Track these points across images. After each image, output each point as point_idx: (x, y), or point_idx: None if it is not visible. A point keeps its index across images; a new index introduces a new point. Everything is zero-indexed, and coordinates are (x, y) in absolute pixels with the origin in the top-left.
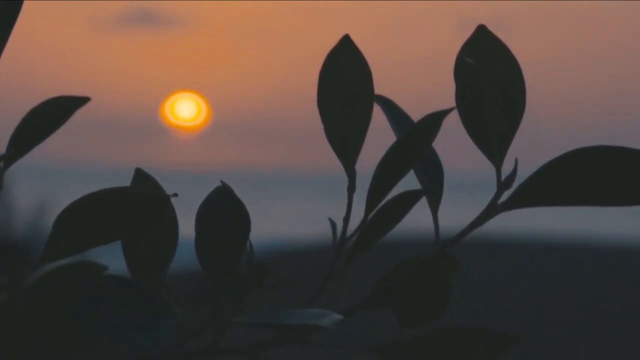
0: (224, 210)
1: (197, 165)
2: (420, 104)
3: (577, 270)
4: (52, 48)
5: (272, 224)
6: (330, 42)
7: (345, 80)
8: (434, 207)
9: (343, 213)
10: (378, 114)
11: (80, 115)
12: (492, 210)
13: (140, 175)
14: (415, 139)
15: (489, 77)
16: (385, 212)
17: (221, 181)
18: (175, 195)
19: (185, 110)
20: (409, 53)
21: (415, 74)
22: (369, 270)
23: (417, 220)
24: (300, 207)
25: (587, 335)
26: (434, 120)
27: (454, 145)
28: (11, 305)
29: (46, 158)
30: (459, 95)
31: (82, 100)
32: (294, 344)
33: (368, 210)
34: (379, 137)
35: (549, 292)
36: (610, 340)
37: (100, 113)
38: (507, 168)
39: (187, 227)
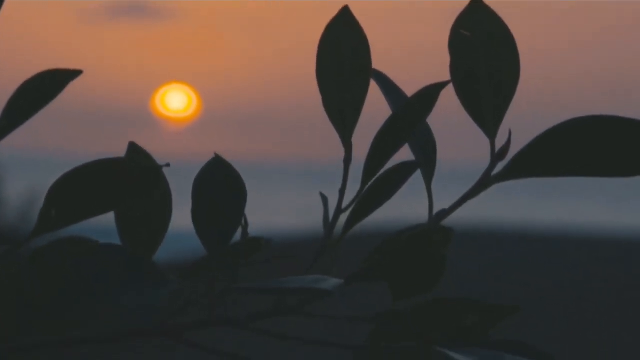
0: (220, 181)
1: (188, 157)
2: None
3: (556, 261)
4: (41, 40)
5: (263, 214)
6: (320, 33)
7: (343, 52)
8: (428, 180)
9: (335, 204)
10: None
11: (71, 106)
12: (486, 181)
13: (134, 149)
14: (413, 111)
15: (483, 49)
16: (382, 183)
17: (215, 154)
18: (168, 165)
19: (176, 101)
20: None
21: (410, 61)
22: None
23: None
24: (291, 198)
25: (567, 325)
26: (431, 93)
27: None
28: (4, 280)
29: (37, 148)
30: (454, 67)
31: (74, 74)
32: (290, 315)
33: (365, 181)
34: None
35: (527, 283)
36: (590, 330)
37: (91, 104)
38: (500, 141)
39: (177, 219)
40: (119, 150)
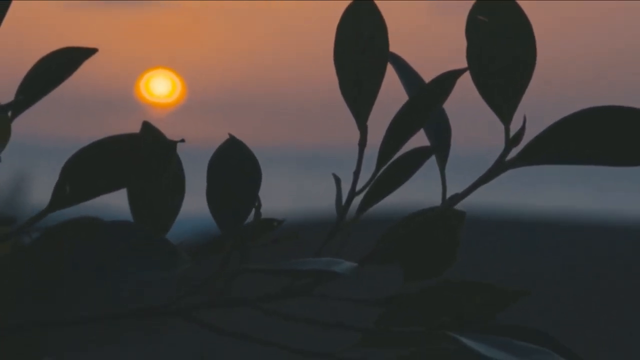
0: (235, 161)
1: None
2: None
3: (540, 246)
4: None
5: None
6: (306, 17)
7: (361, 35)
8: (442, 165)
9: (323, 189)
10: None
11: (55, 91)
12: (499, 167)
13: (147, 128)
14: (430, 97)
15: (499, 35)
16: (396, 167)
17: (230, 134)
18: (183, 140)
19: (160, 87)
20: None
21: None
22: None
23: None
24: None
25: (550, 310)
26: (448, 79)
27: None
28: (14, 257)
29: (22, 134)
30: (470, 53)
31: (89, 52)
32: (300, 296)
33: (379, 164)
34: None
35: (512, 268)
36: (571, 314)
37: (75, 89)
38: (515, 127)
39: None
40: (103, 135)
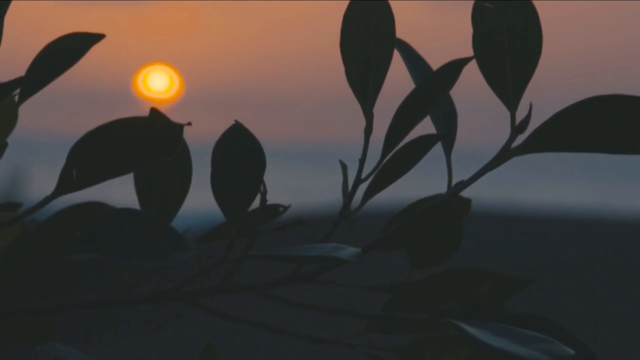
0: (240, 147)
1: None
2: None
3: (538, 242)
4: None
5: None
6: (302, 12)
7: (367, 23)
8: (448, 152)
9: (322, 183)
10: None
11: (52, 86)
12: (505, 154)
13: (155, 114)
14: (436, 85)
15: (506, 23)
16: (403, 154)
17: (235, 120)
18: (189, 124)
19: (158, 82)
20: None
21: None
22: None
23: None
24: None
25: (555, 304)
26: (454, 67)
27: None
28: (20, 241)
29: (19, 129)
30: (476, 41)
31: (96, 37)
32: (306, 283)
33: (385, 152)
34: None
35: (509, 263)
36: (567, 310)
37: (73, 85)
38: (521, 115)
39: None
40: None
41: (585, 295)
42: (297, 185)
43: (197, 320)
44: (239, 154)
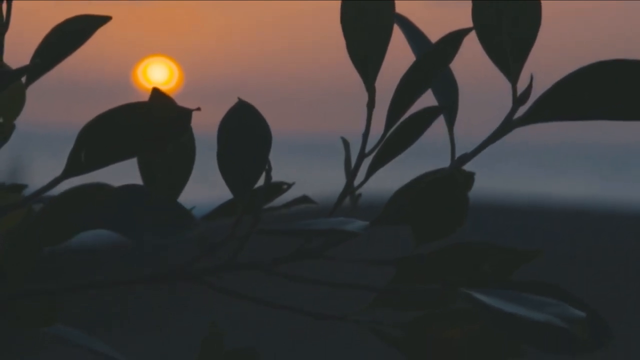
0: (246, 124)
1: None
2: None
3: (535, 233)
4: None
5: None
6: (301, 6)
7: None
8: (450, 125)
9: (321, 174)
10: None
11: (53, 78)
12: (507, 125)
13: (157, 95)
14: (437, 57)
15: None
16: (406, 127)
17: (239, 98)
18: (198, 109)
19: (158, 74)
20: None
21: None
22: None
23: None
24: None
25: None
26: (455, 38)
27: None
28: (27, 222)
29: (19, 121)
30: (476, 12)
31: (102, 19)
32: (313, 258)
33: (388, 125)
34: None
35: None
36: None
37: (73, 77)
38: (522, 86)
39: None
40: None
41: (586, 289)
42: (296, 177)
43: (200, 310)
44: (245, 131)
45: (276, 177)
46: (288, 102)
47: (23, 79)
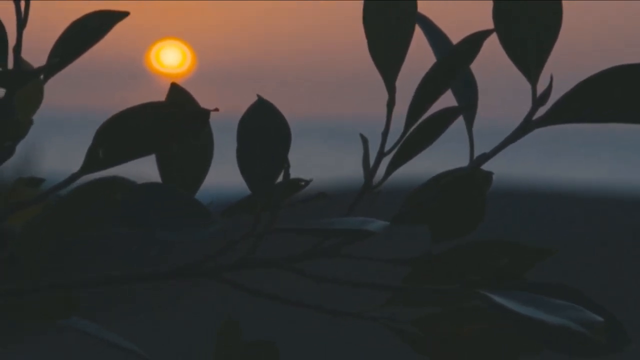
0: (265, 122)
1: None
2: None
3: (557, 218)
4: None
5: None
6: None
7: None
8: (469, 125)
9: (341, 159)
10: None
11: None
12: (527, 126)
13: (176, 91)
14: (458, 57)
15: None
16: (426, 126)
17: (258, 95)
18: (217, 110)
19: (170, 57)
20: None
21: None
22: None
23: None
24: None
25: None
26: (476, 40)
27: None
28: (44, 215)
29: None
30: (497, 13)
31: (120, 15)
32: (328, 257)
33: (408, 124)
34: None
35: (529, 239)
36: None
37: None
38: (542, 87)
39: None
40: (114, 106)
41: (609, 271)
42: (315, 162)
43: (210, 294)
44: (265, 129)
45: (295, 160)
46: (304, 84)
47: (41, 76)
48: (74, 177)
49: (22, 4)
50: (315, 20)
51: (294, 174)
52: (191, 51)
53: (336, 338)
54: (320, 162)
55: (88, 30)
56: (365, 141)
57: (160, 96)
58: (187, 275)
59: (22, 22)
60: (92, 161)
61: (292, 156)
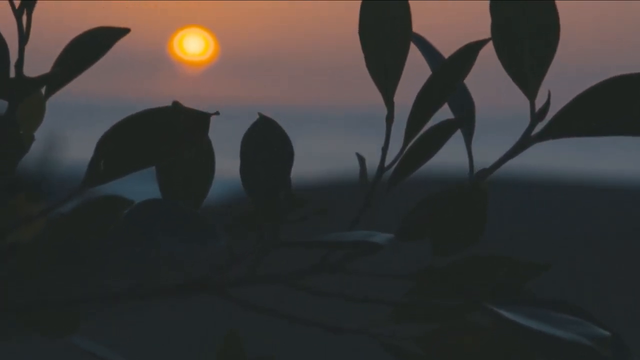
0: (269, 140)
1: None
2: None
3: (576, 209)
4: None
5: None
6: None
7: (385, 12)
8: (468, 139)
9: (345, 149)
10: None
11: None
12: (526, 141)
13: (177, 106)
14: (454, 69)
15: (523, 8)
16: (425, 140)
17: (259, 114)
18: (217, 113)
19: (194, 45)
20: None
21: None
22: (399, 209)
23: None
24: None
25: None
26: (471, 50)
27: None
28: (47, 233)
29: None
30: (495, 27)
31: (121, 32)
32: (333, 272)
33: (407, 138)
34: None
35: (546, 230)
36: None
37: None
38: (540, 102)
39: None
40: (136, 93)
41: (619, 265)
42: (329, 150)
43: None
44: (268, 146)
45: (311, 149)
46: (329, 72)
47: (42, 91)
48: (75, 192)
49: (24, 19)
50: (340, 7)
51: (312, 161)
52: (214, 39)
53: (334, 349)
54: (340, 149)
55: (89, 47)
56: (362, 160)
57: (183, 83)
58: (190, 291)
59: (23, 37)
60: (94, 175)
61: (313, 143)
